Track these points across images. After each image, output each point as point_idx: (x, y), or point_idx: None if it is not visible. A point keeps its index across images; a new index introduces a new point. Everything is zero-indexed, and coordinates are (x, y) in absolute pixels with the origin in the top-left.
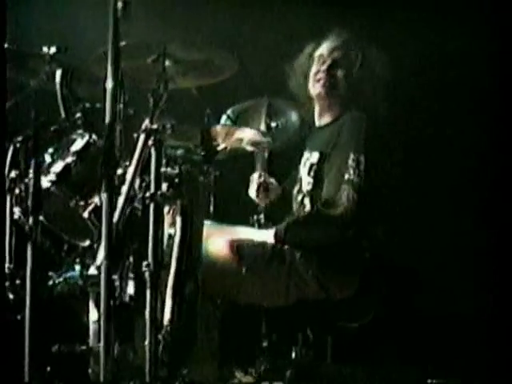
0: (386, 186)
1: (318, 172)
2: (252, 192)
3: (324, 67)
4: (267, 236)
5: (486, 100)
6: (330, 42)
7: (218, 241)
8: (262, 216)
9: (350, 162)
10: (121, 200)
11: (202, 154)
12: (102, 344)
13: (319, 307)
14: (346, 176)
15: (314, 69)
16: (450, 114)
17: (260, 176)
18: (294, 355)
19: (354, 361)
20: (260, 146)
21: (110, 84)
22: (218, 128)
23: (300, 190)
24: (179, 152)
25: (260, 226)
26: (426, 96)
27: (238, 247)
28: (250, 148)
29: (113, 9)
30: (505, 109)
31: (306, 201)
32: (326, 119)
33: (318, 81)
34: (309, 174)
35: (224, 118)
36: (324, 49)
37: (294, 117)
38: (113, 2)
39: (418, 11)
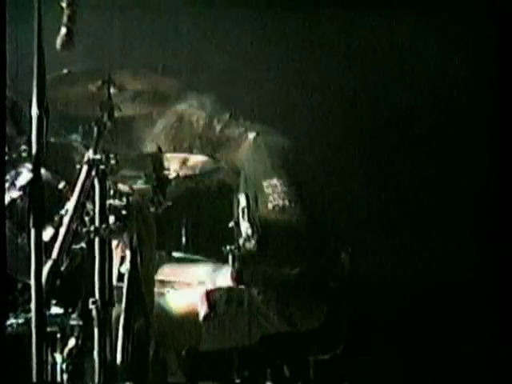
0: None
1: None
2: None
3: None
4: (224, 277)
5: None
6: None
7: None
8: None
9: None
10: (61, 234)
11: (154, 183)
12: None
13: (286, 341)
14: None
15: None
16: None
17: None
18: None
19: None
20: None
21: (34, 112)
22: (170, 155)
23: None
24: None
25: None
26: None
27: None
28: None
29: (37, 32)
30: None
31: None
32: None
33: None
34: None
35: None
36: None
37: None
38: (37, 26)
39: None
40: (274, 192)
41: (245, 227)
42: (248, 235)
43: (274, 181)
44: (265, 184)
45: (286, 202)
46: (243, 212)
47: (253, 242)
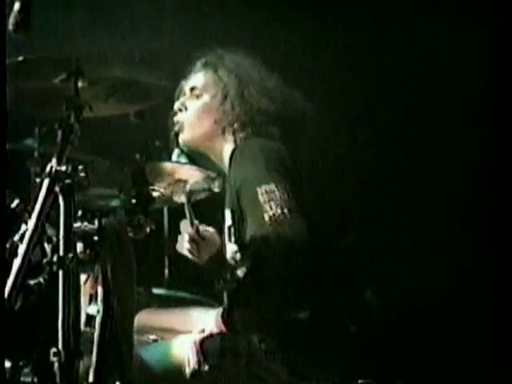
0: None
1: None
2: (183, 246)
3: None
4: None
5: None
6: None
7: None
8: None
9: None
10: (15, 266)
11: (133, 201)
12: None
13: None
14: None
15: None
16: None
17: (192, 224)
18: None
19: None
20: (205, 190)
21: None
22: (153, 167)
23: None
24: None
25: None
26: None
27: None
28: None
29: None
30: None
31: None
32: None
33: None
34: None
35: (176, 152)
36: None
37: None
38: None
39: None
40: (271, 200)
41: (231, 251)
42: (236, 260)
43: (272, 186)
44: (259, 191)
45: (286, 212)
46: (229, 232)
47: (243, 269)
